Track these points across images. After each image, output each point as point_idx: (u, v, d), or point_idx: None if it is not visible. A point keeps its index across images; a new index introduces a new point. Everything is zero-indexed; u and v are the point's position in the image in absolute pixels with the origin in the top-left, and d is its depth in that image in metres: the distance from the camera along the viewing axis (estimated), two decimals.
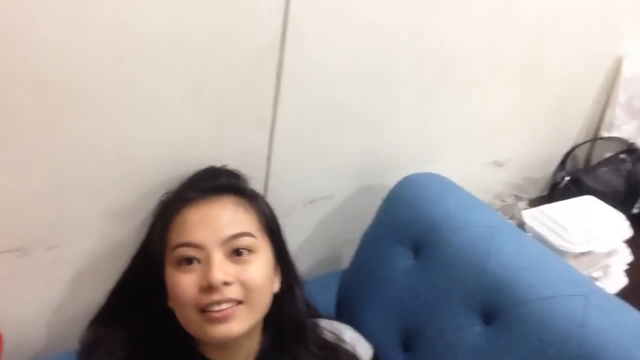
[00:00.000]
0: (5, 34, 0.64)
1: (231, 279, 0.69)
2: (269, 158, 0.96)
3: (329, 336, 0.84)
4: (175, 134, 0.83)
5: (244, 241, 0.72)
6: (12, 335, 0.82)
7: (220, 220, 0.73)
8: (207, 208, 0.75)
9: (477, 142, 1.25)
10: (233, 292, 0.69)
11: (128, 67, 0.73)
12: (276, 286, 0.79)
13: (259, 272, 0.72)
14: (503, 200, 1.35)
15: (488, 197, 1.34)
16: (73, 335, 0.79)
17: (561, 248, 1.07)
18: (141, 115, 0.78)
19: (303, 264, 0.93)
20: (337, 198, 1.09)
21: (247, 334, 0.72)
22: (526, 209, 1.21)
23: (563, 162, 1.48)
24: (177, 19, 0.73)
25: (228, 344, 0.73)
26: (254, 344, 0.77)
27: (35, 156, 0.75)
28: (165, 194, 0.82)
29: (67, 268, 0.87)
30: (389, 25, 0.91)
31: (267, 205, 0.83)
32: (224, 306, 0.68)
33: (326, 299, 1.02)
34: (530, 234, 1.13)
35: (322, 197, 1.08)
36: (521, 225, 1.17)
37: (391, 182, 1.04)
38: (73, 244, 0.85)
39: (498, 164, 1.37)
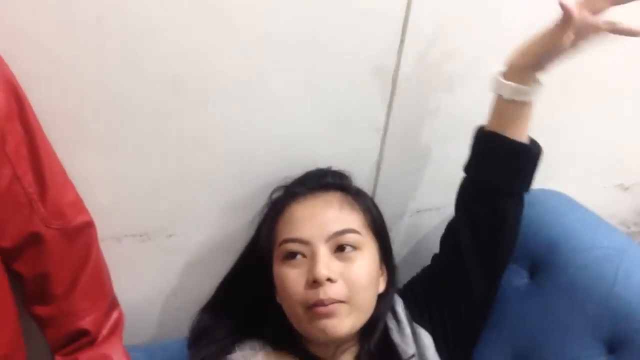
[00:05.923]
0: (144, 32, 0.69)
1: (335, 276, 0.69)
2: (379, 164, 0.95)
3: None
4: (291, 134, 0.85)
5: (349, 238, 0.72)
6: (129, 317, 0.86)
7: (325, 217, 0.74)
8: (313, 204, 0.76)
9: (602, 161, 1.14)
10: (337, 292, 0.69)
11: (254, 66, 0.76)
12: (382, 287, 0.78)
13: (363, 271, 0.72)
14: (628, 228, 1.23)
15: (611, 223, 1.22)
16: (184, 322, 0.82)
17: None
18: (262, 113, 0.81)
19: (407, 275, 0.90)
20: (446, 210, 1.05)
21: (351, 333, 0.71)
22: None
23: None
24: (302, 21, 0.75)
25: (332, 342, 0.73)
26: (354, 342, 0.77)
27: (162, 146, 0.80)
28: (275, 190, 0.84)
29: (183, 256, 0.92)
30: (511, 30, 0.86)
31: (373, 203, 0.82)
32: (329, 307, 0.68)
33: None
34: None
35: (430, 208, 1.05)
36: None
37: None
38: (190, 233, 0.89)
39: (623, 188, 1.25)
